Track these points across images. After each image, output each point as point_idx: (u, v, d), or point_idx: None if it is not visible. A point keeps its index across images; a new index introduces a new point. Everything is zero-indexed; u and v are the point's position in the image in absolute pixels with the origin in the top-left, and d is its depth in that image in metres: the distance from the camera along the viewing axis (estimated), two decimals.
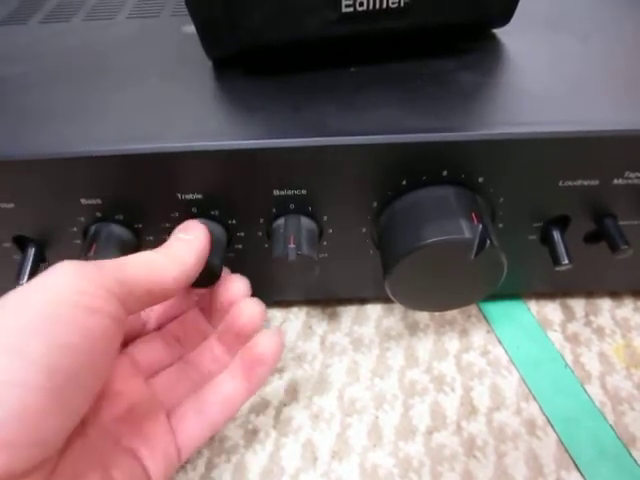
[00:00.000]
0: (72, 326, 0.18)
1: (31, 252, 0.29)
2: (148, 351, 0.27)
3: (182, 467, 0.28)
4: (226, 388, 0.25)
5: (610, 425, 0.29)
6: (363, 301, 0.37)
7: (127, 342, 0.27)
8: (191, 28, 0.30)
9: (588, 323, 0.35)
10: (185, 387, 0.26)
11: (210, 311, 0.29)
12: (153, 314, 0.28)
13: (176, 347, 0.28)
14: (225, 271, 0.28)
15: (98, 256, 0.26)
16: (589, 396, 0.31)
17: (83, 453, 0.21)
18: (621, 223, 0.28)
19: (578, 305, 0.36)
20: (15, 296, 0.18)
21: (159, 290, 0.22)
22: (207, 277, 0.26)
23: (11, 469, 0.16)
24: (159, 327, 0.28)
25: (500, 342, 0.34)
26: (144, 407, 0.24)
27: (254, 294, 0.27)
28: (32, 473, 0.17)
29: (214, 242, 0.26)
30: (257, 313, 0.26)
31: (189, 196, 0.27)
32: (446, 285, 0.27)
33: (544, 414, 0.30)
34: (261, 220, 0.28)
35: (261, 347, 0.25)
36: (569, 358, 0.33)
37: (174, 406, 0.25)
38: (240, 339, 0.26)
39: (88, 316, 0.18)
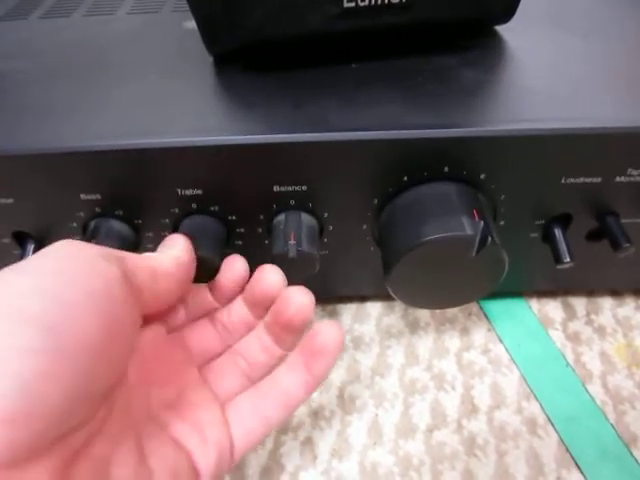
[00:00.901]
0: (73, 284, 0.17)
1: (30, 248, 0.29)
2: (200, 337, 0.26)
3: None
4: (284, 382, 0.24)
5: (611, 424, 0.29)
6: (363, 299, 0.36)
7: (175, 328, 0.26)
8: (192, 24, 0.30)
9: (589, 322, 0.34)
10: (235, 377, 0.25)
11: (251, 303, 0.27)
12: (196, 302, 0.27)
13: (225, 335, 0.27)
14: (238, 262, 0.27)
15: None
16: (590, 395, 0.31)
17: (117, 436, 0.20)
18: (623, 221, 0.28)
19: (579, 304, 0.36)
20: (12, 265, 0.18)
21: (162, 272, 0.22)
22: (205, 271, 0.26)
23: (17, 444, 0.14)
24: (207, 314, 0.27)
25: (501, 340, 0.34)
26: (196, 395, 0.24)
27: None
28: (44, 454, 0.16)
29: (210, 236, 0.26)
30: (306, 303, 0.24)
31: (189, 192, 0.27)
32: (447, 282, 0.27)
33: (545, 413, 0.30)
34: (261, 216, 0.28)
35: (323, 337, 0.24)
36: (570, 357, 0.33)
37: (227, 397, 0.24)
38: (289, 330, 0.25)
39: (89, 275, 0.18)
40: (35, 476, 0.15)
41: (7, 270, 0.17)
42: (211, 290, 0.27)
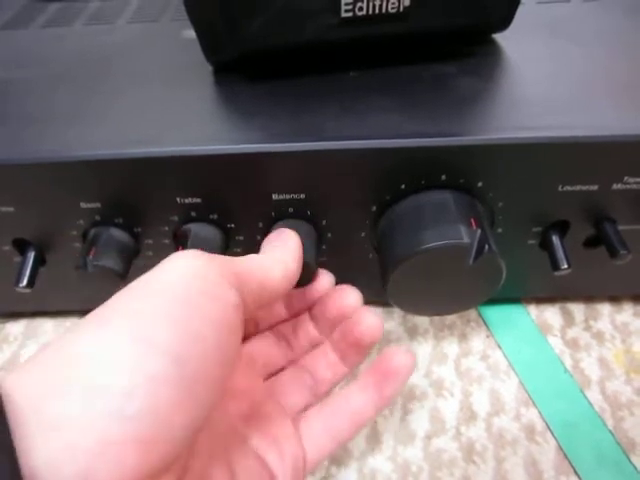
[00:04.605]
0: (198, 313, 0.17)
1: (31, 255, 0.29)
2: (263, 349, 0.26)
3: None
4: (355, 401, 0.25)
5: (609, 430, 0.29)
6: None
7: (242, 340, 0.26)
8: (191, 33, 0.30)
9: (588, 328, 0.35)
10: (302, 391, 0.26)
11: (321, 319, 0.27)
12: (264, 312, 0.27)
13: (287, 349, 0.27)
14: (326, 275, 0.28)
15: (97, 260, 0.26)
16: (589, 401, 0.31)
17: (210, 450, 0.20)
18: (620, 228, 0.28)
19: (578, 310, 0.36)
20: (138, 283, 0.18)
21: (270, 285, 0.21)
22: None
23: (144, 468, 0.15)
24: (270, 327, 0.27)
25: (499, 347, 0.34)
26: (267, 407, 0.24)
27: None
28: (164, 474, 0.16)
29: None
30: (376, 324, 0.25)
31: (188, 200, 0.27)
32: (445, 290, 0.27)
33: (543, 419, 0.30)
34: (260, 224, 0.28)
35: (397, 361, 0.24)
36: (569, 363, 0.33)
37: (294, 411, 0.25)
38: (355, 349, 0.26)
39: (211, 303, 0.18)
40: None
41: (131, 289, 0.17)
42: (284, 302, 0.27)
